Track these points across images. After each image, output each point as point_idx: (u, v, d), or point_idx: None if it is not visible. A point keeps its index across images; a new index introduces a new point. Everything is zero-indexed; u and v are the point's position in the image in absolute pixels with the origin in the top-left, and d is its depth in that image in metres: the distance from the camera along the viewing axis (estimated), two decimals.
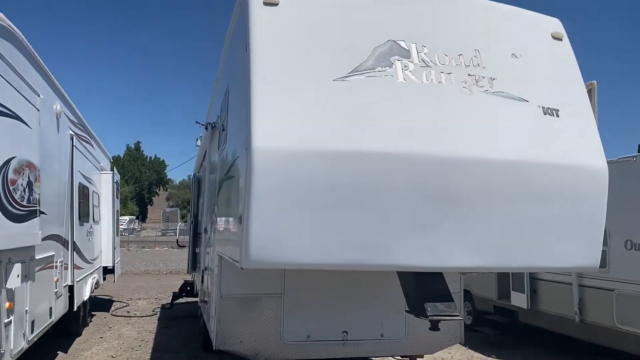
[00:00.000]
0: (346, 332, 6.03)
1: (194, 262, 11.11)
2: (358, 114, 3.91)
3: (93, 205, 11.19)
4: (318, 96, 3.92)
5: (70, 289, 8.75)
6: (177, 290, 12.74)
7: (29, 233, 5.92)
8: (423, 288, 4.06)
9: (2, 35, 5.25)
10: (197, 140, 47.17)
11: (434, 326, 4.14)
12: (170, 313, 12.39)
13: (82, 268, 9.54)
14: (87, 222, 10.34)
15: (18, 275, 5.51)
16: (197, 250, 10.78)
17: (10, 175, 5.28)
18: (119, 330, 10.75)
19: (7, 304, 5.40)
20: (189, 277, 13.61)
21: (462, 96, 4.11)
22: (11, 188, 5.30)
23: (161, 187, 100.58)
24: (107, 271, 13.03)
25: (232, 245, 4.44)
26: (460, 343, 6.39)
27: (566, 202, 4.07)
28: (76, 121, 9.43)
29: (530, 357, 8.75)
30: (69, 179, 8.65)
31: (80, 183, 9.43)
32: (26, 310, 6.09)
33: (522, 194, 4.00)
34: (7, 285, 5.36)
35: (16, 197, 5.44)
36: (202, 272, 7.32)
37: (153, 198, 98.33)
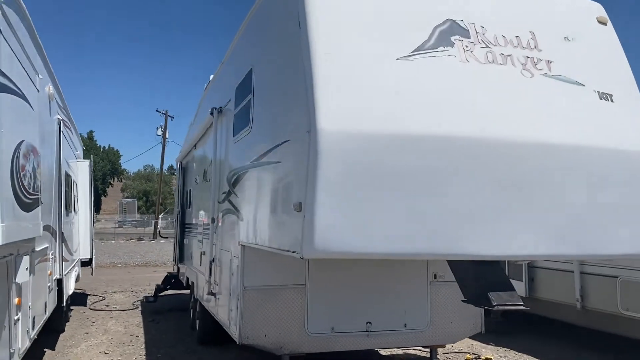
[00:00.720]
0: (370, 322, 5.86)
1: (181, 254, 10.72)
2: (425, 95, 3.72)
3: (73, 194, 10.63)
4: (383, 75, 3.71)
5: (59, 282, 8.27)
6: (159, 283, 12.29)
7: (34, 223, 5.47)
8: (483, 277, 3.91)
9: (11, 7, 4.78)
10: (157, 129, 45.61)
11: (495, 315, 4.02)
12: (153, 307, 11.93)
13: (67, 260, 9.03)
14: (70, 212, 9.80)
15: (27, 269, 5.09)
16: (185, 241, 10.40)
17: (21, 160, 4.84)
18: (103, 325, 10.26)
19: (16, 300, 4.98)
20: (172, 270, 13.17)
21: (524, 79, 3.98)
22: (21, 174, 4.86)
23: (115, 178, 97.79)
24: (82, 263, 12.47)
25: (279, 234, 4.17)
26: (481, 332, 6.32)
27: (626, 188, 4.01)
28: (61, 105, 8.88)
29: (527, 344, 8.81)
30: (57, 167, 8.13)
31: (65, 171, 8.90)
32: (29, 306, 5.66)
33: (586, 179, 3.91)
34: (16, 280, 4.93)
35: (25, 184, 5.01)
36: (211, 263, 6.98)
37: (107, 189, 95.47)
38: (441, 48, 3.87)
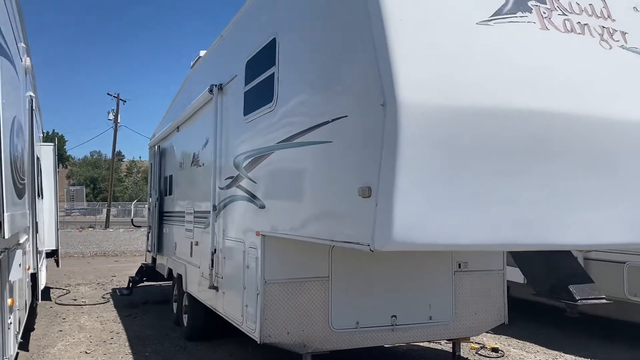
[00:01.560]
0: (395, 316, 5.46)
1: (159, 244, 10.03)
2: (512, 65, 3.29)
3: (40, 180, 9.74)
4: (464, 41, 3.26)
5: (33, 277, 7.48)
6: (133, 275, 11.53)
7: (24, 212, 4.77)
8: (558, 269, 3.56)
9: None
10: (108, 113, 43.85)
11: (572, 311, 3.67)
12: (126, 300, 11.17)
13: (40, 252, 8.22)
14: (40, 199, 8.94)
15: (20, 265, 4.41)
16: (165, 230, 9.71)
17: (15, 139, 4.14)
18: (76, 321, 9.46)
19: (9, 301, 4.30)
20: (144, 260, 12.41)
21: (603, 50, 3.62)
22: (16, 155, 4.16)
23: (61, 165, 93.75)
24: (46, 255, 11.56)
25: (335, 224, 3.67)
26: (504, 323, 6.03)
27: None
28: (32, 81, 7.99)
29: (526, 332, 8.66)
30: (30, 149, 7.30)
31: (37, 154, 8.06)
32: (17, 306, 4.96)
33: None
34: (10, 278, 4.25)
35: (18, 166, 4.31)
36: (212, 254, 6.39)
37: None
38: (519, 13, 3.45)
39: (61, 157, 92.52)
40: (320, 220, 3.89)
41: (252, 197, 5.29)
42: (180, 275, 8.46)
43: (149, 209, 11.71)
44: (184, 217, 8.42)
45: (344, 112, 3.57)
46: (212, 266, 6.38)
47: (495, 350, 7.56)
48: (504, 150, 3.20)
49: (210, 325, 8.10)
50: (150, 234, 11.01)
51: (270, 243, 5.04)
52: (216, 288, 6.35)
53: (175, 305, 9.20)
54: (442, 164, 3.09)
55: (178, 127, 9.10)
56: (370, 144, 3.21)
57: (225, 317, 6.05)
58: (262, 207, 5.04)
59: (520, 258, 3.91)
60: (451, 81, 3.14)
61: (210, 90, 6.55)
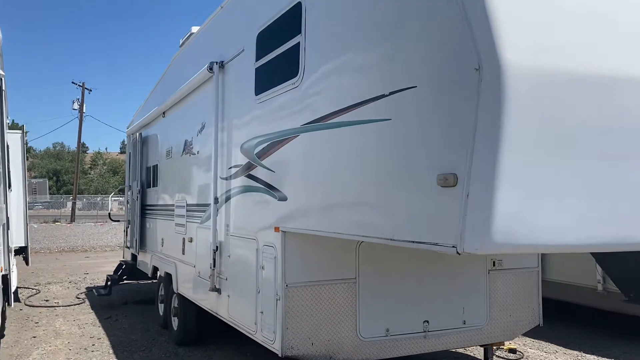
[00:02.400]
0: (427, 321, 4.85)
1: (142, 240, 9.21)
2: (623, 31, 2.68)
3: (9, 170, 8.77)
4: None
5: (4, 278, 6.60)
6: (112, 273, 10.65)
7: (2, 207, 3.95)
8: None
9: None
10: (73, 102, 42.13)
11: None
12: (103, 300, 10.30)
13: (11, 251, 7.33)
14: (9, 191, 8.02)
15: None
16: (148, 225, 8.90)
17: None
18: (51, 326, 8.58)
19: None
20: (122, 257, 11.53)
21: None
22: None
23: None
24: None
25: (402, 220, 3.00)
26: (539, 325, 5.49)
27: None
28: (0, 57, 7.09)
29: (537, 329, 8.19)
30: (1, 136, 6.43)
31: (7, 142, 7.16)
32: None
33: None
34: None
35: None
36: (214, 253, 5.66)
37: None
38: None
39: None
40: (373, 215, 3.22)
41: (269, 188, 4.58)
42: (169, 275, 7.67)
43: (127, 202, 10.83)
44: (173, 210, 7.63)
45: (410, 82, 2.90)
46: (214, 266, 5.65)
47: (512, 351, 7.05)
48: (617, 128, 2.59)
49: (203, 328, 7.38)
50: (129, 229, 10.15)
51: (292, 241, 4.36)
52: (218, 290, 5.63)
53: (162, 306, 8.42)
54: (550, 143, 2.47)
55: (164, 113, 8.28)
56: (457, 120, 2.56)
57: (231, 324, 5.34)
58: (283, 199, 4.34)
59: (606, 262, 3.34)
60: (560, 42, 2.51)
61: (210, 68, 5.79)
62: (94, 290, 10.32)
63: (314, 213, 3.93)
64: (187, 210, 6.93)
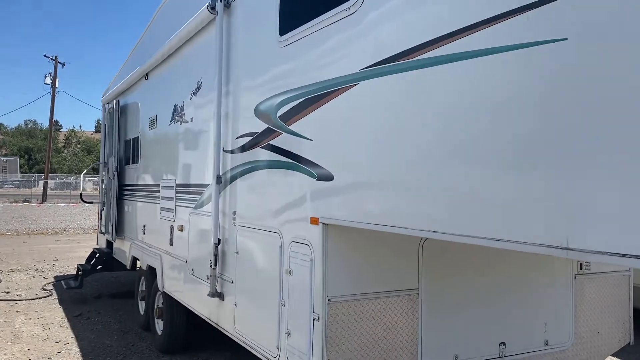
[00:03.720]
0: (504, 343, 3.64)
1: (119, 225, 7.83)
2: None
3: None
4: None
5: None
6: (84, 263, 9.24)
7: None
8: None
9: None
10: (45, 77, 40.02)
11: None
12: (74, 293, 8.90)
13: None
14: None
15: None
16: (127, 208, 7.52)
17: None
18: (9, 325, 7.18)
19: None
20: (97, 244, 10.11)
21: None
22: None
23: None
24: None
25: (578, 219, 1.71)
26: (629, 343, 4.33)
27: None
28: None
29: None
30: None
31: None
32: None
33: None
34: None
35: None
36: (216, 247, 4.35)
37: None
38: None
39: None
40: (526, 211, 1.92)
41: (302, 163, 3.27)
42: (152, 269, 6.33)
43: (102, 181, 9.39)
44: (157, 192, 6.26)
45: None
46: (215, 264, 4.33)
47: None
48: None
49: (192, 333, 6.09)
50: (104, 213, 8.73)
51: (336, 237, 3.07)
52: (220, 295, 4.32)
53: (142, 304, 7.08)
54: None
55: (147, 74, 6.85)
56: None
57: (238, 341, 4.04)
58: (326, 178, 3.03)
59: None
60: None
61: (212, 7, 4.41)
62: (62, 282, 8.89)
63: (381, 199, 2.63)
64: (177, 192, 5.58)
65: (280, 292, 3.46)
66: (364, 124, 2.73)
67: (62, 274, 10.91)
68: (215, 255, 4.32)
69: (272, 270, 3.58)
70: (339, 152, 2.94)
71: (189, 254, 5.12)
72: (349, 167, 2.86)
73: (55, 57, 38.53)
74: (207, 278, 4.50)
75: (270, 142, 3.65)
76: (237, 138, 4.16)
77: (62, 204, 32.22)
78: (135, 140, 7.44)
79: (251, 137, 3.92)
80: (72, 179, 53.95)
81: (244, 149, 4.04)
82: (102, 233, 9.17)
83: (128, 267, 7.44)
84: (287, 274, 3.39)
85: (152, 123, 6.60)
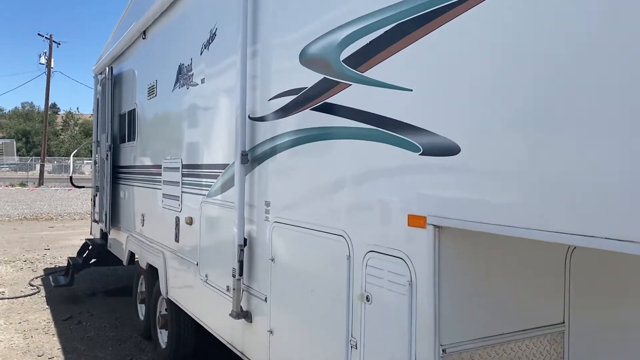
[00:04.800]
0: None
1: (114, 214, 6.62)
2: None
3: None
4: None
5: None
6: (74, 256, 8.05)
7: None
8: None
9: None
10: (40, 57, 38.53)
11: None
12: (65, 290, 7.72)
13: None
14: None
15: None
16: (123, 195, 6.32)
17: None
18: None
19: None
20: (90, 234, 8.91)
21: None
22: None
23: None
24: None
25: None
26: None
27: None
28: None
29: None
30: None
31: None
32: None
33: None
34: None
35: None
36: (240, 250, 3.13)
37: None
38: None
39: None
40: None
41: (389, 129, 2.04)
42: (153, 269, 5.14)
43: (95, 162, 8.16)
44: (159, 174, 5.04)
45: None
46: (240, 274, 3.12)
47: None
48: None
49: (203, 348, 4.94)
50: (98, 199, 7.51)
51: (456, 249, 1.86)
52: (247, 316, 3.12)
53: (142, 308, 5.90)
54: None
55: (145, 32, 5.59)
56: None
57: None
58: (445, 151, 1.80)
59: None
60: None
61: None
62: (50, 277, 7.68)
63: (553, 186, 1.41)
64: (184, 175, 4.36)
65: (348, 327, 2.26)
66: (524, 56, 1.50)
67: (52, 266, 9.72)
68: (240, 262, 3.12)
69: (333, 293, 2.38)
70: (470, 107, 1.71)
71: (201, 255, 3.92)
72: (492, 132, 1.64)
73: (50, 35, 36.92)
74: (228, 289, 3.30)
75: (328, 100, 2.42)
76: (272, 99, 2.93)
77: (57, 188, 30.91)
78: (132, 113, 6.19)
79: (294, 96, 2.70)
80: (69, 162, 52.53)
81: (282, 113, 2.81)
82: (96, 222, 7.97)
83: (125, 263, 6.24)
84: (362, 301, 2.18)
85: (151, 91, 5.35)
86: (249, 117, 3.15)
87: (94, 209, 8.27)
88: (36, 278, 8.77)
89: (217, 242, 3.62)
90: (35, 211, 19.78)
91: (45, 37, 37.00)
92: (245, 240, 3.15)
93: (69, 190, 27.94)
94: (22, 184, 35.65)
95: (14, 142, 60.54)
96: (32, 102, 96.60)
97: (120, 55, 6.68)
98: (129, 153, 6.34)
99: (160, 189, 4.98)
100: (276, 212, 2.89)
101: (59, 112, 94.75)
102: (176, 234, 4.51)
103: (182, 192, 4.40)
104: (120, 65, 6.77)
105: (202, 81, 3.99)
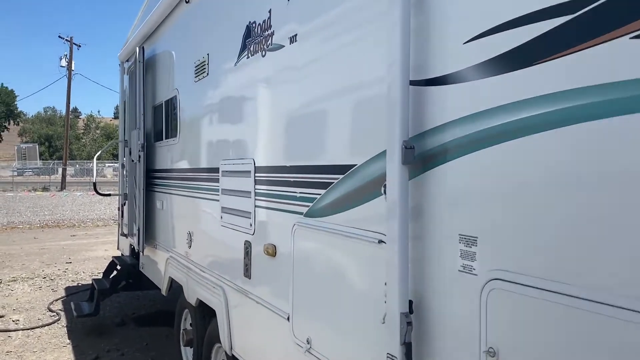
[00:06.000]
0: None
1: (149, 228, 5.28)
2: None
3: None
4: None
5: None
6: (100, 277, 6.74)
7: None
8: None
9: None
10: (61, 59, 37.79)
11: None
12: (89, 319, 6.39)
13: None
14: None
15: None
16: (160, 205, 4.95)
17: None
18: None
19: None
20: (117, 249, 7.61)
21: None
22: None
23: (11, 121, 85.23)
24: None
25: None
26: None
27: None
28: None
29: None
30: None
31: None
32: None
33: None
34: None
35: None
36: (406, 324, 1.70)
37: (2, 133, 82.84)
38: None
39: (12, 114, 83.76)
40: None
41: None
42: (207, 309, 3.75)
43: (122, 165, 6.85)
44: (214, 180, 3.66)
45: None
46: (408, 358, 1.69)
47: None
48: None
49: None
50: (127, 209, 6.19)
51: None
52: None
53: (188, 352, 4.53)
54: None
55: None
56: None
57: None
58: None
59: None
60: None
61: None
62: (72, 304, 6.35)
63: None
64: (259, 182, 2.96)
65: None
66: None
67: (75, 284, 8.43)
68: (406, 345, 1.69)
69: None
70: None
71: (297, 306, 2.51)
72: None
73: (71, 38, 36.04)
74: None
75: None
76: (480, 38, 1.51)
77: (79, 193, 29.85)
78: (170, 103, 4.83)
79: (564, 18, 1.26)
80: (91, 165, 51.79)
81: (516, 61, 1.39)
82: (125, 235, 6.64)
83: (164, 292, 4.87)
84: None
85: (200, 69, 3.97)
86: (411, 82, 1.73)
87: (121, 220, 6.94)
88: (56, 300, 7.47)
89: (334, 293, 2.22)
90: (57, 217, 18.65)
91: (66, 40, 36.13)
92: (410, 304, 1.73)
93: (92, 194, 26.86)
94: (45, 188, 34.77)
95: (37, 147, 60.12)
96: (54, 107, 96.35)
97: (154, 32, 5.33)
98: (166, 153, 4.98)
99: (217, 199, 3.59)
100: (494, 257, 1.46)
101: (80, 116, 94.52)
102: (246, 266, 3.11)
103: (256, 206, 3.00)
104: (154, 44, 5.42)
105: (293, 40, 2.59)
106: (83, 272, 9.35)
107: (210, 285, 3.67)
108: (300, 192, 2.51)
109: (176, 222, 4.68)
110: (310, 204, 2.41)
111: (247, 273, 3.11)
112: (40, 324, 6.37)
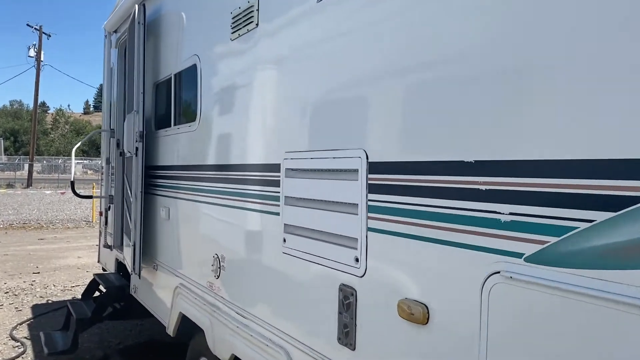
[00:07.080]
0: None
1: (147, 242, 3.94)
2: None
3: None
4: None
5: None
6: (78, 298, 5.36)
7: None
8: None
9: None
10: (29, 49, 35.52)
11: None
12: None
13: None
14: None
15: None
16: (162, 212, 3.59)
17: None
18: None
19: None
20: (99, 263, 6.22)
21: None
22: None
23: None
24: None
25: None
26: None
27: None
28: None
29: None
30: None
31: None
32: None
33: None
34: None
35: None
36: None
37: None
38: None
39: None
40: None
41: None
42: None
43: (106, 161, 5.49)
44: (267, 182, 2.38)
45: None
46: None
47: None
48: None
49: None
50: (112, 214, 4.84)
51: None
52: None
53: None
54: None
55: None
56: None
57: None
58: None
59: None
60: None
61: None
62: (42, 335, 4.93)
63: None
64: (374, 189, 1.70)
65: None
66: None
67: (44, 301, 6.99)
68: None
69: None
70: None
71: None
72: None
73: (40, 26, 33.88)
74: None
75: None
76: None
77: (48, 191, 27.89)
78: (181, 77, 3.54)
79: None
80: (60, 161, 49.28)
81: None
82: (109, 247, 5.28)
83: (171, 333, 3.56)
84: None
85: (244, 20, 2.69)
86: None
87: (105, 228, 5.58)
88: (20, 325, 6.03)
89: None
90: (23, 217, 16.91)
91: (35, 28, 33.95)
92: None
93: (62, 193, 24.99)
94: (10, 185, 32.55)
95: (2, 141, 57.12)
96: (20, 100, 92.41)
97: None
98: (176, 144, 3.68)
99: (276, 212, 2.33)
100: None
101: (48, 111, 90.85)
102: (345, 326, 1.87)
103: (370, 229, 1.76)
104: (159, 2, 4.10)
105: None
106: (53, 286, 7.89)
107: (261, 342, 2.41)
108: (510, 214, 1.28)
109: (192, 239, 3.39)
110: (549, 239, 1.18)
111: (348, 339, 1.86)
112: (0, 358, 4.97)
